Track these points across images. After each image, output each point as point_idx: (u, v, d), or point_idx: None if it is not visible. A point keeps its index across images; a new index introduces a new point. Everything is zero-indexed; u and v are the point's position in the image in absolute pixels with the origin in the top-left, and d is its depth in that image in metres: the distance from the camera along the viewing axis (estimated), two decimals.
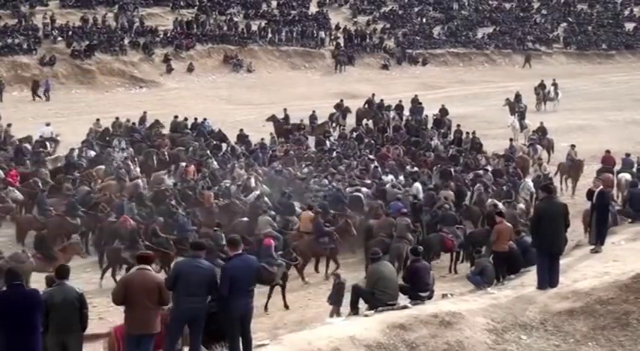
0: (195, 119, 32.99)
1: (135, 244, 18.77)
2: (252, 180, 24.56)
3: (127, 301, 9.39)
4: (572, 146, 27.97)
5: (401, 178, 25.23)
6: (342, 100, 36.82)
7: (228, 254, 10.79)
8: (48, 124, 31.55)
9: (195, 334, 9.78)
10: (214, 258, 16.54)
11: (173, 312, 9.80)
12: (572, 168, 26.96)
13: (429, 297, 12.59)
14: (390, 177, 25.07)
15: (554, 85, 42.28)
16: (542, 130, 31.89)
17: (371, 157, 28.15)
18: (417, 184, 23.90)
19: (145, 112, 33.91)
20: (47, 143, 29.62)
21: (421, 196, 23.03)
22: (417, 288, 12.49)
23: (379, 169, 26.19)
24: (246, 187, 24.11)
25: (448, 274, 19.62)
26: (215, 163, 27.09)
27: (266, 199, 22.66)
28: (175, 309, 9.74)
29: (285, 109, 34.31)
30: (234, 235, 11.84)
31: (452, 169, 26.04)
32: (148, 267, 9.66)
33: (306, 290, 18.74)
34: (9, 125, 31.04)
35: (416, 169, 26.42)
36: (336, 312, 15.49)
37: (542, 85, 42.48)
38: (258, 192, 23.22)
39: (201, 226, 20.86)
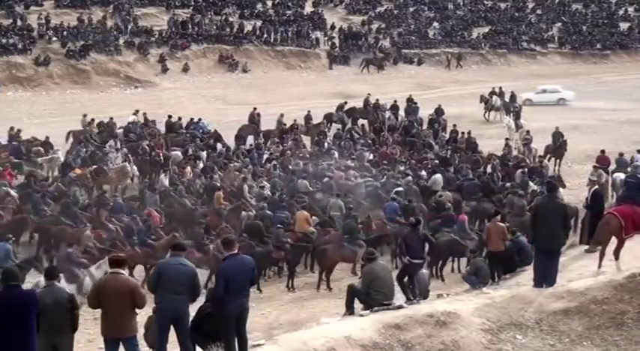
0: (192, 119, 32.92)
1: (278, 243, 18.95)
2: (264, 182, 24.58)
3: (101, 305, 9.42)
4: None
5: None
6: (345, 102, 36.71)
7: None
8: (135, 113, 32.68)
9: (181, 334, 9.73)
10: (356, 241, 18.65)
11: (156, 311, 9.79)
12: None
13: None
14: (424, 172, 25.53)
15: (501, 93, 39.68)
16: (560, 135, 30.28)
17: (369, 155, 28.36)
18: (438, 176, 24.42)
19: (253, 109, 33.90)
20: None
21: (440, 187, 23.53)
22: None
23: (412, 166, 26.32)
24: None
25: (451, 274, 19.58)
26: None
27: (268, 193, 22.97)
28: (158, 307, 9.72)
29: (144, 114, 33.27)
30: (228, 235, 11.83)
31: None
32: (121, 271, 9.63)
33: (302, 290, 18.75)
34: None
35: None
36: None
37: (493, 93, 40.11)
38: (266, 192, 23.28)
39: None
